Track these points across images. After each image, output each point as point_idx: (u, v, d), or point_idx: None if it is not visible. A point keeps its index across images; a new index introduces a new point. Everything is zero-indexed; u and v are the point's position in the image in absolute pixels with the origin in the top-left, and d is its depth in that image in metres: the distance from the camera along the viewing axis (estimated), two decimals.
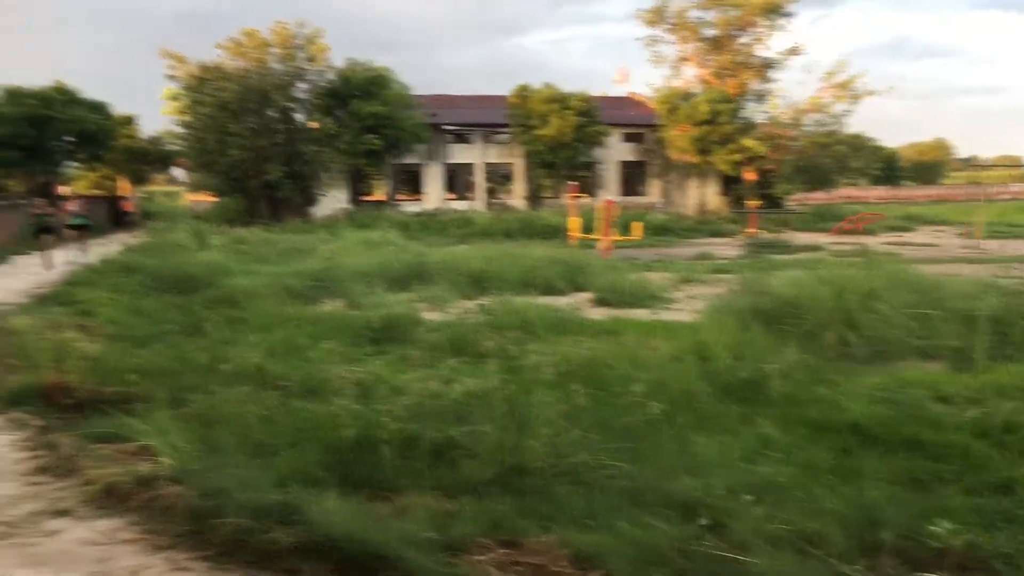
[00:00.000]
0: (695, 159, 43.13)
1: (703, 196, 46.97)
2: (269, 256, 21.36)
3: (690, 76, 46.82)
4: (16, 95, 39.36)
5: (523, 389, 7.09)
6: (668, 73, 47.72)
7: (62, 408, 7.30)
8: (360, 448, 5.62)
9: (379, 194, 47.93)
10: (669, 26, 46.10)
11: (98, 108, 42.48)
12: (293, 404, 6.94)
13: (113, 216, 44.21)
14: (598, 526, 4.56)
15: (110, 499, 5.16)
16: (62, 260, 20.07)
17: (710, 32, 45.49)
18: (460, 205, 45.19)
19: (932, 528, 4.41)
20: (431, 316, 12.18)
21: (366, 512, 4.54)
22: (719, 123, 41.47)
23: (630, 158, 48.25)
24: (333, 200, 43.01)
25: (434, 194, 45.86)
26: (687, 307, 13.20)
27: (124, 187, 55.78)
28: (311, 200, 42.06)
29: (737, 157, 42.13)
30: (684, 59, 46.81)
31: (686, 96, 43.83)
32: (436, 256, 18.44)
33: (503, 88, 64.13)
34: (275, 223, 36.38)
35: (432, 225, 35.92)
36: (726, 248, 27.53)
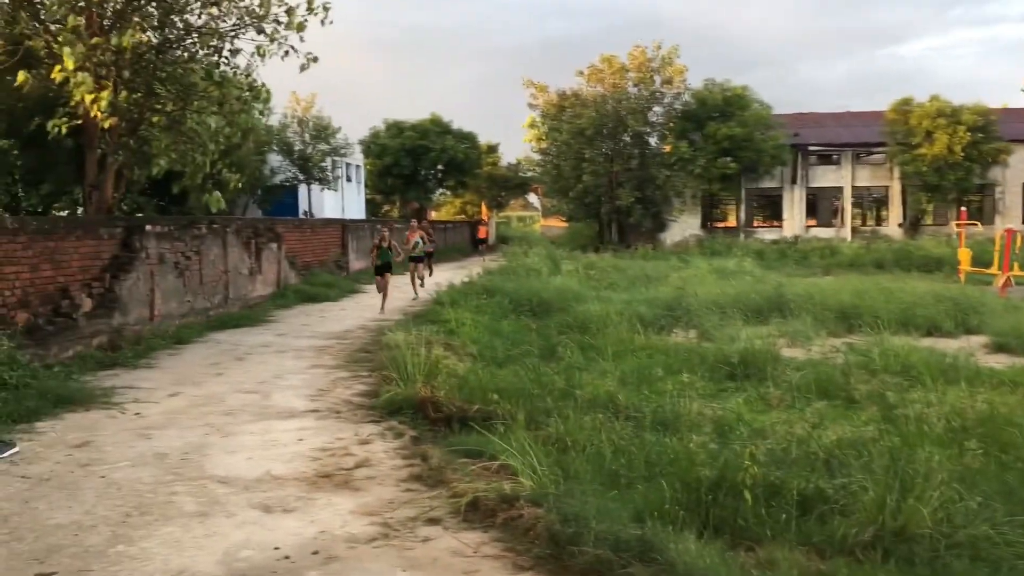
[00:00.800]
0: None
1: None
2: (619, 282, 22.02)
3: None
4: (397, 128, 44.97)
5: (906, 443, 6.51)
6: None
7: (432, 421, 8.13)
8: (719, 490, 5.52)
9: (732, 220, 47.35)
10: None
11: (467, 138, 47.04)
12: (646, 437, 7.04)
13: (472, 240, 48.42)
14: None
15: (475, 513, 5.60)
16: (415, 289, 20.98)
17: None
18: (823, 233, 43.10)
19: None
20: (792, 353, 11.75)
21: (729, 560, 4.44)
22: None
23: None
24: (683, 226, 43.35)
25: (794, 220, 44.23)
26: None
27: (485, 213, 61.09)
28: (661, 226, 42.77)
29: None
30: None
31: None
32: (797, 288, 17.77)
33: (873, 103, 60.11)
34: (624, 249, 37.50)
35: (791, 254, 34.76)
36: None
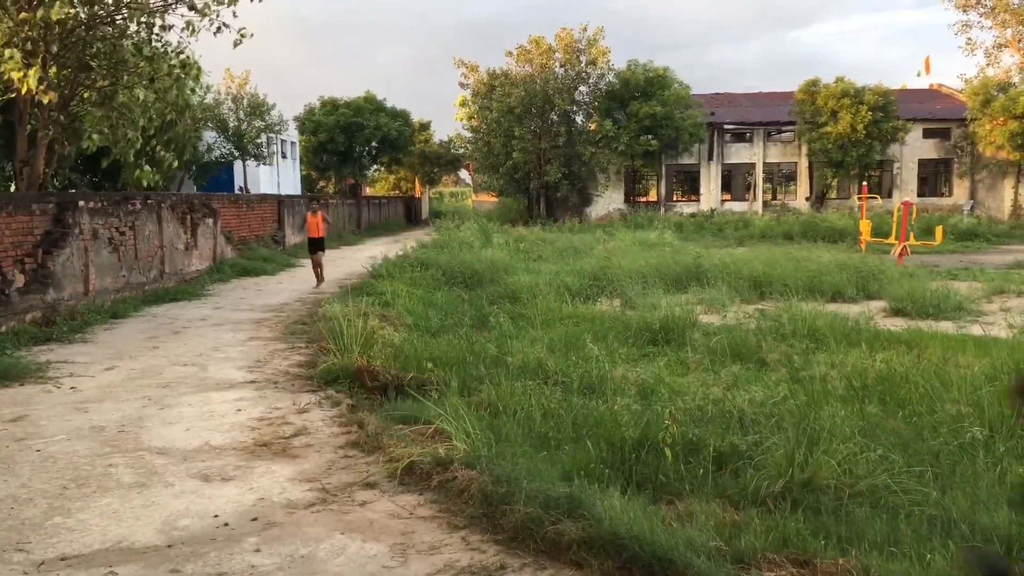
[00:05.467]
0: (1013, 156, 38.49)
1: (1021, 197, 41.76)
2: (547, 254, 22.09)
3: (1009, 64, 41.83)
4: (332, 105, 44.06)
5: (812, 401, 6.70)
6: (982, 62, 42.97)
7: (368, 389, 8.05)
8: (641, 449, 5.62)
9: (653, 195, 47.86)
10: (985, 10, 41.46)
11: (400, 116, 46.30)
12: (574, 400, 7.09)
13: (406, 215, 47.67)
14: (903, 555, 4.18)
15: (411, 476, 5.58)
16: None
17: None
18: (737, 206, 43.92)
19: None
20: (709, 319, 11.96)
21: (651, 514, 4.51)
22: None
23: (931, 156, 44.07)
24: (608, 200, 43.69)
25: (710, 195, 44.92)
26: (1002, 321, 11.77)
27: (418, 189, 60.48)
28: (587, 200, 43.00)
29: None
30: (1002, 46, 41.90)
31: (1003, 86, 39.21)
32: (713, 258, 18.03)
33: (781, 84, 61.32)
34: (552, 222, 37.62)
35: (708, 226, 35.36)
36: None
